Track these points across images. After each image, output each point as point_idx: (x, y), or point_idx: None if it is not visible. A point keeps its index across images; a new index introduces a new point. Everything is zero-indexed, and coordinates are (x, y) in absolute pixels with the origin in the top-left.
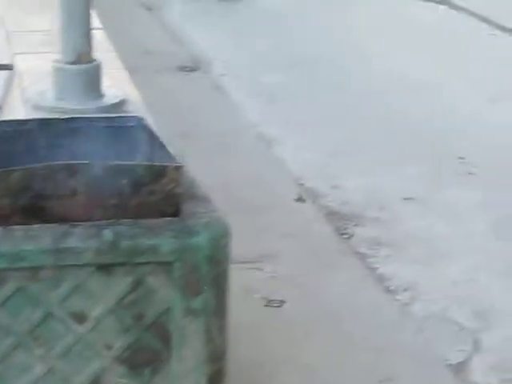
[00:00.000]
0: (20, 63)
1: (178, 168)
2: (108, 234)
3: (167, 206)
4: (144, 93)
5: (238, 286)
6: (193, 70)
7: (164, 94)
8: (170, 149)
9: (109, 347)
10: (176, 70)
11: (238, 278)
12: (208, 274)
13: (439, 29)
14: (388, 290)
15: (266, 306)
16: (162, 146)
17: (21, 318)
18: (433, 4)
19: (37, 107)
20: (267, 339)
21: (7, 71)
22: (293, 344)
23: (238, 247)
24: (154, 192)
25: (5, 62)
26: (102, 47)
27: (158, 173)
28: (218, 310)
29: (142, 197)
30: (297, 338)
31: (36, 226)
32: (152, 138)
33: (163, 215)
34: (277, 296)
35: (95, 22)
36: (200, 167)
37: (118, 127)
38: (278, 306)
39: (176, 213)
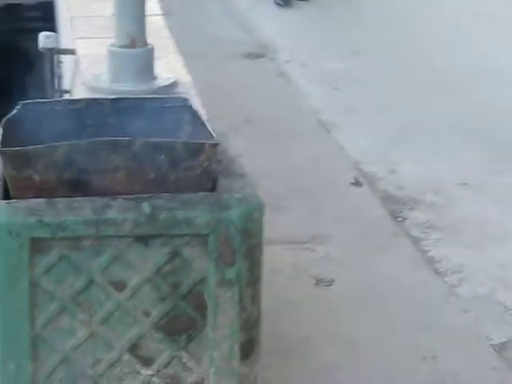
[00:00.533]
0: (80, 48)
1: (215, 145)
2: (146, 206)
3: (204, 182)
4: (210, 79)
5: (290, 266)
6: (258, 56)
7: (230, 80)
8: (211, 128)
9: (147, 314)
10: (242, 56)
11: (290, 258)
12: (241, 246)
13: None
14: (437, 272)
15: (316, 284)
16: (203, 125)
17: (64, 285)
18: None
19: (92, 89)
20: (315, 316)
21: (72, 56)
22: (340, 321)
23: (292, 228)
24: (191, 168)
25: (69, 46)
26: (159, 33)
27: (195, 150)
28: (250, 281)
29: (180, 172)
30: (344, 315)
31: (78, 198)
32: (195, 117)
33: (200, 190)
34: (327, 275)
35: (156, 8)
36: (263, 151)
37: (164, 107)
38: (328, 285)
39: (212, 188)
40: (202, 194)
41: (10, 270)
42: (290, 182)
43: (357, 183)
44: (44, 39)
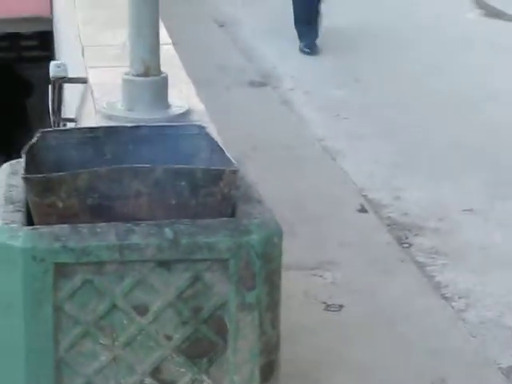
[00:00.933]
0: (93, 76)
1: (235, 172)
2: (168, 232)
3: (224, 207)
4: (215, 106)
5: (300, 291)
6: (262, 84)
7: (235, 108)
8: (229, 154)
9: (169, 338)
10: (246, 84)
11: (299, 283)
12: (261, 271)
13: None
14: (444, 297)
15: (326, 310)
16: (221, 151)
17: (88, 309)
18: None
19: (107, 117)
20: (326, 341)
21: (83, 84)
22: (350, 346)
23: (300, 254)
24: (211, 194)
25: (80, 75)
26: (171, 62)
27: (215, 176)
28: (270, 305)
29: (201, 198)
30: (354, 340)
31: (101, 224)
32: (212, 144)
33: (220, 216)
34: (336, 301)
35: (166, 37)
36: (269, 178)
37: (181, 135)
38: (337, 311)
39: (232, 213)
40: (222, 219)
41: (35, 294)
42: (297, 207)
43: (362, 210)
44: (55, 68)
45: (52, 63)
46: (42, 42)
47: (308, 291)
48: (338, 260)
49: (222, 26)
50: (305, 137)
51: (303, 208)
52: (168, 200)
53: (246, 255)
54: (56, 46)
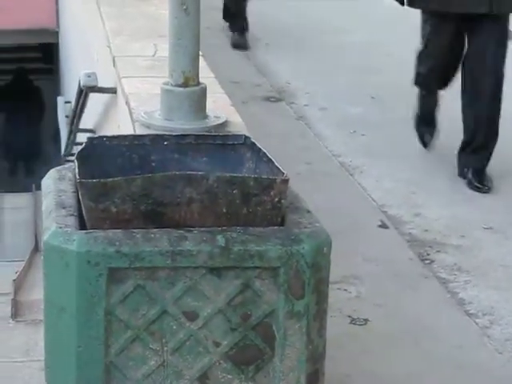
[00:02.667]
0: (127, 86)
1: (285, 181)
2: (220, 239)
3: (273, 216)
4: None
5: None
6: (277, 100)
7: (251, 123)
8: (277, 164)
9: (217, 344)
10: (261, 99)
11: None
12: (310, 280)
13: None
14: (468, 314)
15: (351, 323)
16: (269, 161)
17: (138, 314)
18: None
19: (146, 126)
20: (352, 354)
21: (110, 94)
22: (377, 359)
23: None
24: (262, 202)
25: (110, 85)
26: (202, 73)
27: (267, 185)
28: (318, 314)
29: (252, 207)
30: (380, 354)
31: (154, 229)
32: (258, 154)
33: (270, 224)
34: (361, 315)
35: None
36: None
37: (226, 144)
38: (363, 324)
39: (281, 222)
40: (273, 228)
41: (88, 298)
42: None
43: (383, 225)
44: (85, 77)
45: (82, 72)
46: (45, 53)
47: (333, 305)
48: (362, 274)
49: None
50: (322, 153)
51: (324, 223)
52: (219, 207)
53: (296, 264)
54: (63, 57)
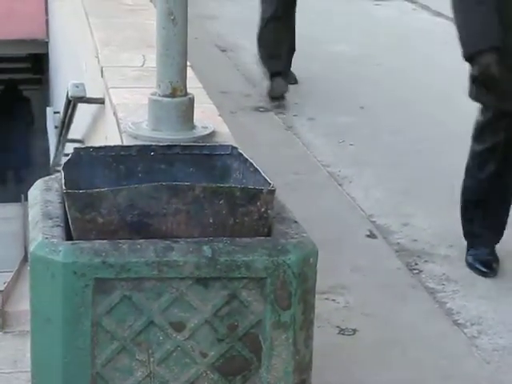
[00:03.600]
0: (114, 97)
1: (272, 192)
2: (207, 249)
3: (260, 227)
4: None
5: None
6: (266, 110)
7: (240, 133)
8: (264, 174)
9: (204, 355)
10: (250, 110)
11: None
12: (297, 290)
13: None
14: (456, 323)
15: (339, 334)
16: (256, 171)
17: (125, 325)
18: None
19: (133, 136)
20: (342, 365)
21: (98, 105)
22: (365, 370)
23: None
24: (249, 213)
25: (98, 95)
26: (190, 83)
27: (253, 195)
28: (304, 324)
29: (238, 217)
30: (369, 364)
31: (141, 240)
32: (245, 164)
33: (256, 235)
34: (349, 325)
35: None
36: None
37: (213, 155)
38: (351, 334)
39: (268, 233)
40: (260, 238)
41: (74, 309)
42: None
43: (371, 235)
44: (73, 88)
45: (71, 83)
46: (35, 64)
47: (321, 315)
48: (350, 284)
49: (224, 50)
50: (311, 163)
51: (311, 233)
52: (206, 218)
53: (283, 274)
54: (52, 68)
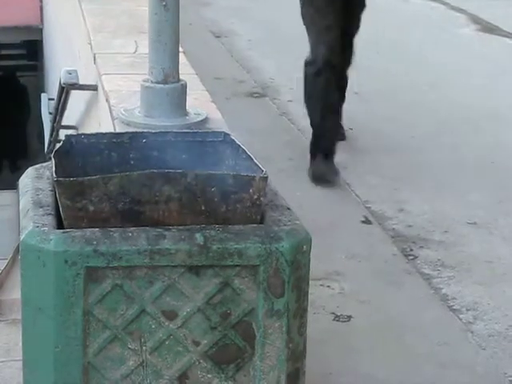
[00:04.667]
0: (107, 83)
1: (264, 179)
2: (199, 237)
3: (253, 214)
4: None
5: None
6: (261, 96)
7: (234, 119)
8: (256, 161)
9: (197, 344)
10: (245, 95)
11: None
12: (290, 278)
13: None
14: (451, 309)
15: (334, 320)
16: (248, 158)
17: (117, 314)
18: None
19: (126, 123)
20: (336, 352)
21: (92, 92)
22: (359, 357)
23: None
24: (241, 200)
25: (90, 82)
26: (184, 69)
27: (245, 182)
28: (298, 312)
29: (231, 204)
30: (363, 351)
31: (132, 228)
32: (238, 151)
33: (249, 222)
34: (344, 311)
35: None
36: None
37: (206, 141)
38: (346, 321)
39: (261, 220)
40: (252, 225)
41: (65, 298)
42: (300, 218)
43: (367, 221)
44: (66, 75)
45: (63, 70)
46: (29, 51)
47: (316, 302)
48: (345, 271)
49: (218, 36)
50: (305, 148)
51: (307, 219)
52: (198, 205)
53: (276, 262)
54: (47, 54)
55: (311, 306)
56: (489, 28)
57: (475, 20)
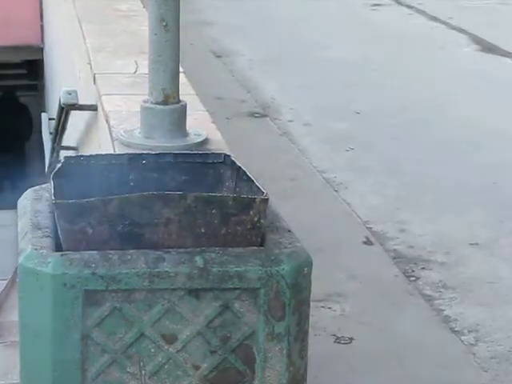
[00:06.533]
0: (107, 104)
1: (265, 201)
2: (199, 260)
3: (253, 236)
4: None
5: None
6: (262, 116)
7: (236, 138)
8: (257, 183)
9: (196, 367)
10: (246, 115)
11: None
12: (291, 301)
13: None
14: (453, 331)
15: (336, 342)
16: (249, 179)
17: (115, 337)
18: None
19: (126, 144)
20: (338, 374)
21: (92, 112)
22: (362, 378)
23: None
24: (241, 222)
25: (90, 102)
26: (184, 90)
27: (246, 204)
28: (299, 335)
29: (231, 227)
30: (366, 373)
31: (131, 251)
32: (238, 173)
33: (249, 244)
34: (346, 333)
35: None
36: None
37: (206, 163)
38: (347, 343)
39: (261, 243)
40: (252, 248)
41: (64, 321)
42: (302, 239)
43: (368, 242)
44: (65, 95)
45: (63, 90)
46: (30, 70)
47: (317, 323)
48: (347, 292)
49: (219, 56)
50: (306, 169)
51: (308, 240)
52: (198, 228)
53: (277, 285)
54: (47, 74)
55: (312, 327)
56: (489, 48)
57: (476, 40)
